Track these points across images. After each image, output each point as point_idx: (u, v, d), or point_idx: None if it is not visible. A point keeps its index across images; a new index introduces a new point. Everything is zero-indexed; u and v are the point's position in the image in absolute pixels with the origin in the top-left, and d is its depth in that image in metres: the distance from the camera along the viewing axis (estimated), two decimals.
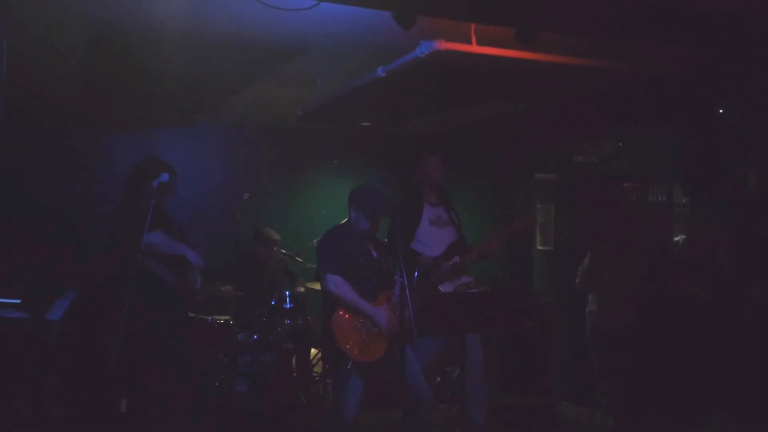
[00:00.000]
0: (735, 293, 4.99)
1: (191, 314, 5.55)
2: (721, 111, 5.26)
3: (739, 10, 4.25)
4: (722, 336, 4.94)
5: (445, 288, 4.65)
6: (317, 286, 5.43)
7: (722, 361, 4.91)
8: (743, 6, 4.21)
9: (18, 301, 4.82)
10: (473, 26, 4.44)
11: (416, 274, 4.40)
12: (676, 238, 6.17)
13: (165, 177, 4.26)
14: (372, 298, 4.24)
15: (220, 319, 6.08)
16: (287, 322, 6.03)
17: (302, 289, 6.71)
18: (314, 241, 6.60)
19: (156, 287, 4.43)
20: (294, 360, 6.24)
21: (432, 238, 4.79)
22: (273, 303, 6.01)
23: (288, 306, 6.06)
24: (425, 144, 8.57)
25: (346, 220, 4.49)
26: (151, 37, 4.74)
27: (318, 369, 6.76)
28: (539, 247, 7.27)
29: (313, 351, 6.75)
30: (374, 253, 4.37)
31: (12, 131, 3.88)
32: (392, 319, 4.16)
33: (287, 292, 6.12)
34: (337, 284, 4.16)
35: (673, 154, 5.95)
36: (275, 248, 6.74)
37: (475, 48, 4.51)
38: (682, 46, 4.64)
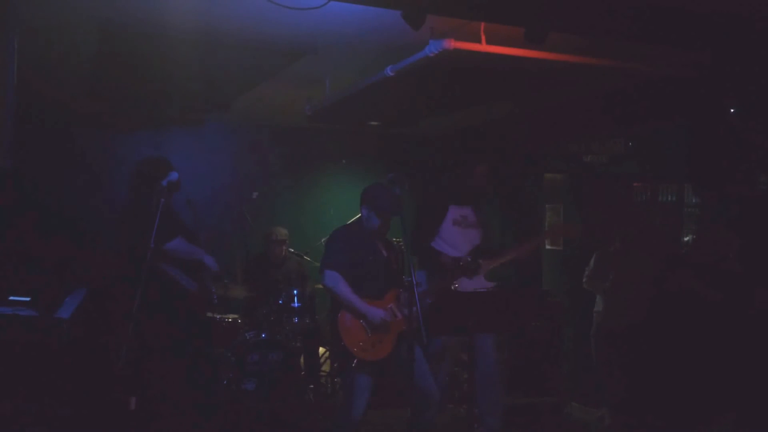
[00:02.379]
0: (743, 294, 4.97)
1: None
2: (732, 110, 5.23)
3: (738, 10, 4.22)
4: (729, 337, 4.91)
5: (463, 288, 4.62)
6: None
7: (729, 362, 4.88)
8: (743, 6, 4.19)
9: (28, 299, 4.83)
10: (483, 25, 4.43)
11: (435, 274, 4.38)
12: (686, 239, 6.14)
13: (174, 176, 4.28)
14: (379, 297, 4.24)
15: (229, 318, 6.10)
16: (295, 320, 6.03)
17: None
18: (322, 240, 6.61)
19: (174, 292, 4.46)
20: (302, 359, 6.24)
21: (455, 238, 4.78)
22: (281, 302, 6.02)
23: (296, 305, 6.07)
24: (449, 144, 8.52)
25: (355, 218, 4.48)
26: (159, 36, 4.74)
27: (326, 368, 6.76)
28: (548, 247, 7.25)
29: (321, 350, 6.75)
30: (383, 253, 4.37)
31: (22, 132, 3.90)
32: (386, 318, 4.17)
33: (295, 291, 6.13)
34: (334, 280, 4.19)
35: (684, 154, 5.92)
36: (284, 247, 6.73)
37: (484, 47, 4.50)
38: (683, 46, 4.61)
